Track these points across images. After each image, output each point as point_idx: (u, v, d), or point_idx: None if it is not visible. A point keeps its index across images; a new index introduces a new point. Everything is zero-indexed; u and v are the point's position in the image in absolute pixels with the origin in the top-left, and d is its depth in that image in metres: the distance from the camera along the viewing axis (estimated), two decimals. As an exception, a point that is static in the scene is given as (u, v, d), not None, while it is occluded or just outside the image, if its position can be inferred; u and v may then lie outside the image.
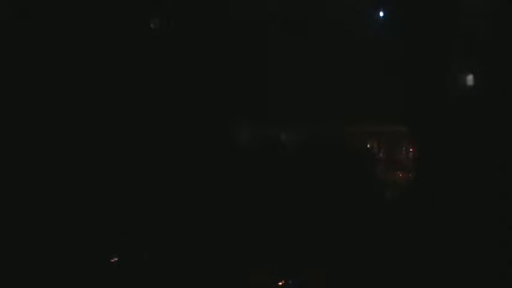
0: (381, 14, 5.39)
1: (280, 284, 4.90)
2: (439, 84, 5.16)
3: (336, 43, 5.38)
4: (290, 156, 5.37)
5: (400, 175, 5.30)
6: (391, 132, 5.35)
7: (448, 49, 5.16)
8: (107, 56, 5.31)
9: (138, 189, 5.20)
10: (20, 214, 5.03)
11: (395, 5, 5.33)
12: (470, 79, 5.13)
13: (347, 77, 5.35)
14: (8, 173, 5.09)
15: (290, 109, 5.40)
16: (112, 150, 5.23)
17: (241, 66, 5.43)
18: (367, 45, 5.33)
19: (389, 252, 4.87)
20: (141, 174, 5.22)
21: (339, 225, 5.06)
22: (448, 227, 4.86)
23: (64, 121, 5.23)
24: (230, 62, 5.44)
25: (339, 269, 4.91)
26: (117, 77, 5.32)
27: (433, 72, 5.17)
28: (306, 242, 5.04)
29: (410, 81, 5.21)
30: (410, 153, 5.32)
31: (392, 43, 5.29)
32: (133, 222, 5.11)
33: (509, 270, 4.67)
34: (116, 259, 4.98)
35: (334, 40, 5.38)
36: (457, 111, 5.07)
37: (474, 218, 4.85)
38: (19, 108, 5.18)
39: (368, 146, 5.39)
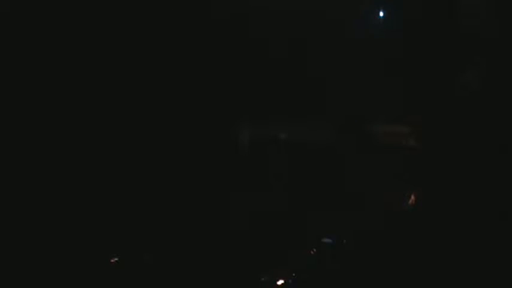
0: (381, 14, 5.40)
1: (280, 283, 4.90)
2: (441, 84, 5.17)
3: (336, 43, 5.39)
4: (290, 156, 5.38)
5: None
6: (391, 132, 5.35)
7: (449, 49, 5.17)
8: (104, 55, 5.32)
9: (139, 189, 5.20)
10: (20, 214, 5.03)
11: (395, 5, 5.34)
12: (472, 79, 5.14)
13: (347, 77, 5.36)
14: (8, 173, 5.09)
15: (290, 109, 5.41)
16: (113, 151, 5.24)
17: (240, 66, 5.44)
18: (367, 45, 5.34)
19: (390, 253, 4.88)
20: (142, 175, 5.22)
21: (339, 225, 5.07)
22: (450, 227, 4.87)
23: (64, 121, 5.23)
24: (229, 61, 5.44)
25: (339, 269, 4.92)
26: (115, 77, 5.33)
27: (434, 72, 5.18)
28: (306, 243, 5.04)
29: (411, 81, 5.22)
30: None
31: (393, 43, 5.29)
32: (134, 222, 5.11)
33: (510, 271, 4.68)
34: (116, 259, 4.98)
35: (334, 40, 5.39)
36: (459, 111, 5.08)
37: (476, 219, 4.86)
38: (19, 108, 5.19)
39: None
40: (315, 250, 4.98)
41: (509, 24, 5.07)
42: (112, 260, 4.96)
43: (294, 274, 4.89)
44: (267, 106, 5.41)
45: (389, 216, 5.06)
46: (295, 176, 5.31)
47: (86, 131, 5.23)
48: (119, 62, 5.31)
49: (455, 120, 5.10)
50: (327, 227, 5.07)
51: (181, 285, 4.90)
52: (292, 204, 5.21)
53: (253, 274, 4.92)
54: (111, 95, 5.29)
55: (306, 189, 5.25)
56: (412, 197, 5.07)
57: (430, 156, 5.15)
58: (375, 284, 4.80)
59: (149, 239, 5.06)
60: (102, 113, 5.27)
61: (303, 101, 5.40)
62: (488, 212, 4.86)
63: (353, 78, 5.34)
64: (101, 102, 5.27)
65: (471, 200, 4.91)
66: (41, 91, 5.20)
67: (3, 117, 5.14)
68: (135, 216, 5.13)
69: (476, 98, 5.11)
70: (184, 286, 4.90)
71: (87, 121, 5.25)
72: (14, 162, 5.10)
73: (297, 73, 5.44)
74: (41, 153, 5.14)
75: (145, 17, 5.39)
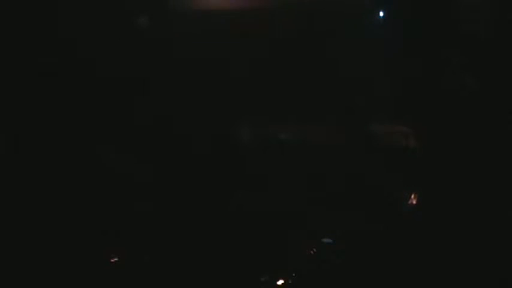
0: (381, 14, 5.40)
1: (280, 283, 4.91)
2: (440, 84, 5.17)
3: (336, 42, 5.39)
4: (290, 156, 5.38)
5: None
6: (391, 132, 5.36)
7: (449, 49, 5.17)
8: (104, 54, 5.32)
9: (139, 189, 5.20)
10: (19, 214, 5.02)
11: (395, 5, 5.35)
12: (472, 79, 5.15)
13: (347, 76, 5.36)
14: (8, 173, 5.08)
15: (290, 109, 5.41)
16: (114, 150, 5.23)
17: (240, 66, 5.44)
18: (367, 45, 5.34)
19: (390, 253, 4.89)
20: (142, 174, 5.22)
21: (339, 225, 5.07)
22: (450, 227, 4.88)
23: (63, 121, 5.23)
24: (228, 61, 5.44)
25: (339, 269, 4.92)
26: (117, 77, 5.33)
27: (434, 72, 5.18)
28: (306, 242, 5.04)
29: (410, 81, 5.23)
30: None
31: (393, 43, 5.30)
32: (134, 222, 5.11)
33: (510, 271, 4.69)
34: (116, 259, 4.97)
35: (334, 39, 5.39)
36: (458, 111, 5.09)
37: (477, 219, 4.87)
38: (18, 108, 5.19)
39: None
40: (315, 250, 4.98)
41: (509, 24, 5.08)
42: (112, 260, 4.96)
43: (294, 274, 4.89)
44: (267, 106, 5.41)
45: (389, 216, 5.06)
46: (295, 176, 5.30)
47: (85, 130, 5.24)
48: (120, 61, 5.31)
49: (455, 121, 5.10)
50: (327, 227, 5.07)
51: (181, 285, 4.90)
52: (292, 204, 5.21)
53: (253, 274, 4.91)
54: (112, 95, 5.29)
55: (306, 189, 5.25)
56: (412, 197, 5.08)
57: (430, 156, 5.15)
58: (374, 284, 4.80)
59: (149, 239, 5.06)
60: (103, 112, 5.27)
61: (303, 101, 5.40)
62: (488, 212, 4.87)
63: (353, 78, 5.35)
64: (102, 102, 5.27)
65: (471, 200, 4.91)
66: (40, 90, 5.20)
67: (3, 117, 5.14)
68: (135, 216, 5.13)
69: (476, 98, 5.12)
70: (184, 286, 4.90)
71: (87, 120, 5.26)
72: (13, 162, 5.10)
73: (297, 73, 5.44)
74: (40, 153, 5.14)
75: (145, 16, 5.40)
